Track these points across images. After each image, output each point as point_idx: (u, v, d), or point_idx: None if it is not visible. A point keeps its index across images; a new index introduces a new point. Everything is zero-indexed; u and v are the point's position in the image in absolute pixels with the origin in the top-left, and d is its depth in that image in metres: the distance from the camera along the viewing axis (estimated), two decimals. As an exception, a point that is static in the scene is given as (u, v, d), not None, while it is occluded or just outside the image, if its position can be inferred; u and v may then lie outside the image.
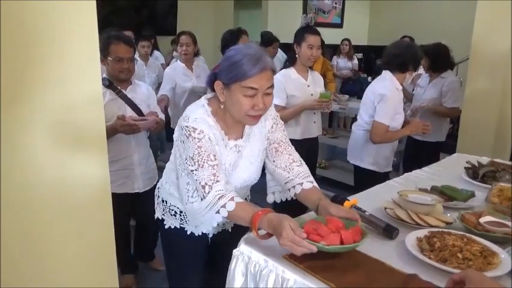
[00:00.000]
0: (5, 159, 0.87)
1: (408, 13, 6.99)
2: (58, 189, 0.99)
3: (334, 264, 1.14)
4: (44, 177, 0.96)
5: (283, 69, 2.61)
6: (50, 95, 0.92)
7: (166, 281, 1.79)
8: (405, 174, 1.98)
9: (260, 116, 1.31)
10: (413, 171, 2.03)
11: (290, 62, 2.61)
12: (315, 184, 1.43)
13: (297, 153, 1.49)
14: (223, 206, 1.23)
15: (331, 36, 6.96)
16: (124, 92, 2.16)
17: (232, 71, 1.24)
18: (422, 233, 1.30)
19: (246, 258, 1.23)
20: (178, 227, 1.49)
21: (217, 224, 1.34)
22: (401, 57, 2.36)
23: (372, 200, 1.60)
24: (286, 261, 1.16)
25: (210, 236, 1.53)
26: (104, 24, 3.81)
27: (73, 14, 0.89)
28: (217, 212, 1.24)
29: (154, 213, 1.59)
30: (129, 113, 2.14)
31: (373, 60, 6.94)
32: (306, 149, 2.54)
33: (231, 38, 2.93)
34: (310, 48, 2.49)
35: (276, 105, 2.42)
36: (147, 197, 1.85)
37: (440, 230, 1.31)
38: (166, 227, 1.52)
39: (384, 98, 2.32)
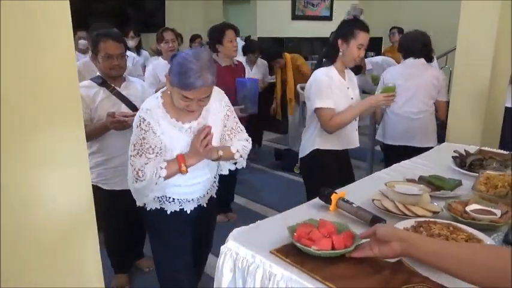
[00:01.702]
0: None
1: (397, 4, 6.99)
2: (41, 192, 0.98)
3: (320, 258, 1.14)
4: (28, 180, 0.95)
5: (323, 68, 2.16)
6: (29, 96, 0.91)
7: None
8: (393, 165, 1.98)
9: (194, 110, 1.54)
10: (401, 161, 2.03)
11: (329, 59, 2.18)
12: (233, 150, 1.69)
13: (245, 134, 1.75)
14: (159, 177, 1.51)
15: (320, 29, 6.95)
16: (118, 89, 2.15)
17: (178, 79, 1.43)
18: (409, 223, 1.30)
19: (233, 254, 1.23)
20: (159, 208, 1.66)
21: (192, 200, 1.68)
22: (428, 46, 2.77)
23: (360, 192, 1.60)
24: (273, 256, 1.16)
25: (188, 212, 1.71)
26: (90, 21, 3.73)
27: (46, 13, 0.88)
28: (156, 183, 1.51)
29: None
30: (124, 109, 2.12)
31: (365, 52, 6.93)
32: (345, 160, 2.32)
33: (216, 32, 2.85)
34: (359, 49, 2.10)
35: (328, 109, 2.07)
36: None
37: (426, 219, 1.32)
38: (148, 209, 1.65)
39: (445, 81, 2.73)
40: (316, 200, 1.53)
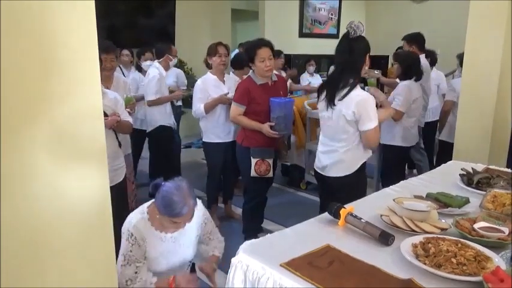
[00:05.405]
0: (8, 171, 0.90)
1: (403, 22, 7.06)
2: (58, 200, 1.01)
3: (330, 271, 1.16)
4: (46, 188, 0.98)
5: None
6: (51, 108, 0.95)
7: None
8: (401, 182, 2.00)
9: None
10: (409, 178, 2.05)
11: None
12: (216, 254, 1.93)
13: (218, 233, 1.97)
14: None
15: (328, 46, 7.04)
16: None
17: (165, 210, 1.62)
18: (417, 239, 1.31)
19: (244, 266, 1.25)
20: None
21: None
22: None
23: (369, 208, 1.62)
24: (284, 269, 1.18)
25: None
26: (105, 38, 3.78)
27: (73, 29, 0.93)
28: None
29: (123, 209, 1.91)
30: None
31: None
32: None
33: (249, 51, 2.79)
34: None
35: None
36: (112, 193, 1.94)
37: (435, 236, 1.33)
38: None
39: None
40: (325, 214, 1.55)
